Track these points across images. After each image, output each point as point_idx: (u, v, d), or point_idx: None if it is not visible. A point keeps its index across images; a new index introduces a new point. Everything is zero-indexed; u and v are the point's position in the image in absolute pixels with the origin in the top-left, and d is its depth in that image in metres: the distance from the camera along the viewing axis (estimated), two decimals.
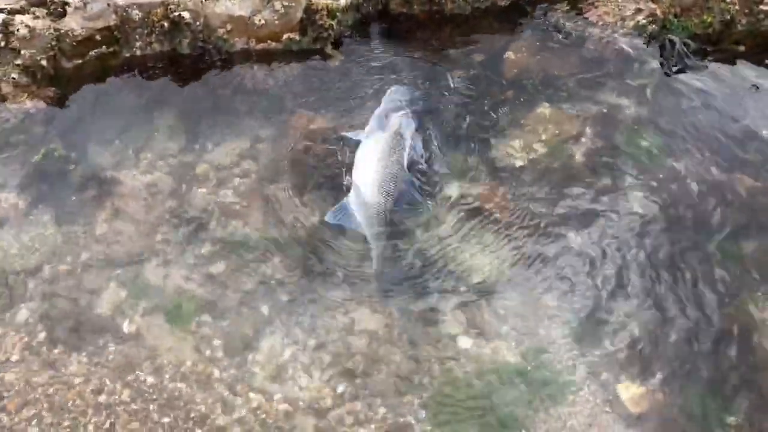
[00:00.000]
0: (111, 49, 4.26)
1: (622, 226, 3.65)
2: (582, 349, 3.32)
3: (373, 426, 3.14)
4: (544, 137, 3.98)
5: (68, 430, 3.09)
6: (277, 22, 4.26)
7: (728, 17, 4.37)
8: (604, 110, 4.10)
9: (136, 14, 4.15)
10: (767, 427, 3.13)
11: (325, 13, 4.28)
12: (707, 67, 4.28)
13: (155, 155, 3.95)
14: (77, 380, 3.23)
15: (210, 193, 3.82)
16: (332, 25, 4.30)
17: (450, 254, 3.58)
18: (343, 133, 3.89)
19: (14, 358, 3.28)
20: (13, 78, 4.06)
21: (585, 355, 3.30)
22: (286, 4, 4.22)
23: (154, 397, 3.19)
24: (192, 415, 3.14)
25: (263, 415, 3.15)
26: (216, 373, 3.27)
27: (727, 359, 3.28)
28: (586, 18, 4.44)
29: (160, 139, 4.01)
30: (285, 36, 4.29)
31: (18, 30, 4.02)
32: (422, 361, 3.30)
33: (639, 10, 4.36)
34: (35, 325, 3.38)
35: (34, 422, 3.10)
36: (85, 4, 4.19)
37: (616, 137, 4.00)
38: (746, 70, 4.28)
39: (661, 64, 4.28)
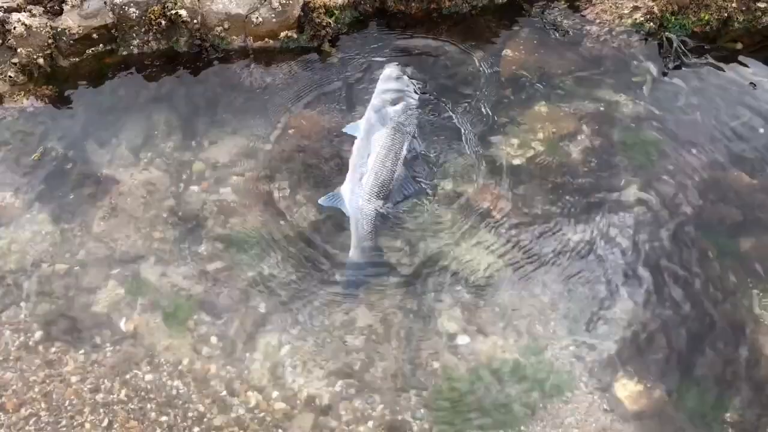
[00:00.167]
0: (108, 47, 4.26)
1: (620, 224, 3.65)
2: (579, 346, 3.32)
3: (371, 423, 3.14)
4: (541, 135, 3.98)
5: (65, 429, 3.08)
6: (274, 20, 4.25)
7: (725, 15, 4.36)
8: (602, 108, 4.10)
9: (133, 12, 4.14)
10: (764, 423, 3.13)
11: (322, 10, 4.27)
12: (705, 64, 4.28)
13: (153, 153, 3.95)
14: (74, 379, 3.23)
15: (207, 191, 3.81)
16: (330, 22, 4.30)
17: (447, 252, 3.58)
18: (344, 130, 3.89)
19: (11, 356, 3.27)
20: (10, 76, 4.06)
21: (582, 353, 3.31)
22: (283, 1, 4.21)
23: (152, 395, 3.19)
24: (190, 413, 3.14)
25: (261, 414, 3.15)
26: (214, 371, 3.26)
27: (724, 356, 3.29)
28: (584, 16, 4.43)
29: (157, 137, 4.01)
30: (282, 34, 4.28)
31: (15, 28, 4.02)
32: (420, 359, 3.30)
33: (636, 8, 4.36)
34: (32, 323, 3.38)
35: (31, 421, 3.10)
36: (82, 2, 4.18)
37: (614, 135, 3.99)
38: (743, 68, 4.28)
39: (659, 61, 4.28)
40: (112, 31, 4.20)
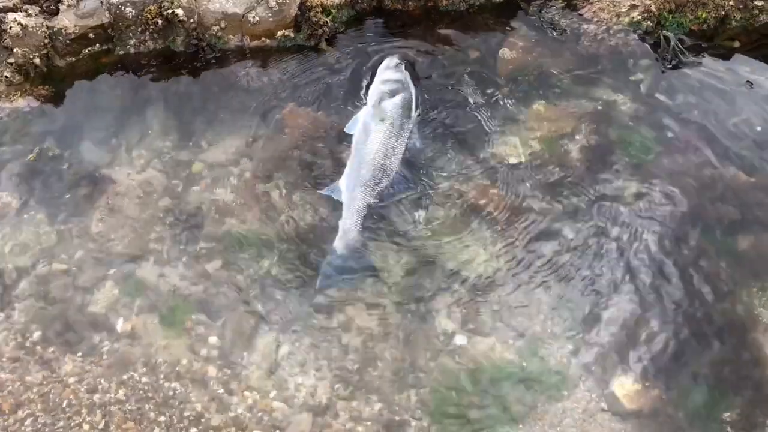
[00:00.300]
0: (104, 47, 4.25)
1: (617, 223, 3.65)
2: (577, 345, 3.32)
3: (369, 423, 3.14)
4: (539, 134, 3.97)
5: (62, 430, 3.08)
6: (271, 19, 4.24)
7: (723, 13, 4.36)
8: (599, 107, 4.09)
9: (129, 12, 4.13)
10: (762, 422, 3.13)
11: (319, 9, 4.26)
12: (702, 63, 4.27)
13: (149, 153, 3.94)
14: (72, 379, 3.22)
15: (205, 191, 3.81)
16: (327, 21, 4.29)
17: (445, 251, 3.57)
18: (346, 129, 3.89)
19: (8, 357, 3.26)
20: (6, 76, 4.04)
21: (580, 352, 3.31)
22: (280, 0, 4.20)
23: (150, 396, 3.19)
24: (187, 414, 3.14)
25: (259, 414, 3.15)
26: (211, 371, 3.26)
27: (722, 355, 3.29)
28: (581, 14, 4.43)
29: (154, 137, 4.00)
30: (279, 33, 4.27)
31: (10, 28, 4.00)
32: (418, 359, 3.29)
33: (634, 7, 4.35)
34: (29, 324, 3.37)
35: (28, 422, 3.09)
36: (78, 2, 4.18)
37: (611, 133, 3.99)
38: (741, 66, 4.28)
39: (656, 60, 4.27)
40: (109, 30, 4.19)
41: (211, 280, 3.50)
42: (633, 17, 4.34)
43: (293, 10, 4.24)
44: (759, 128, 4.01)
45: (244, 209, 3.73)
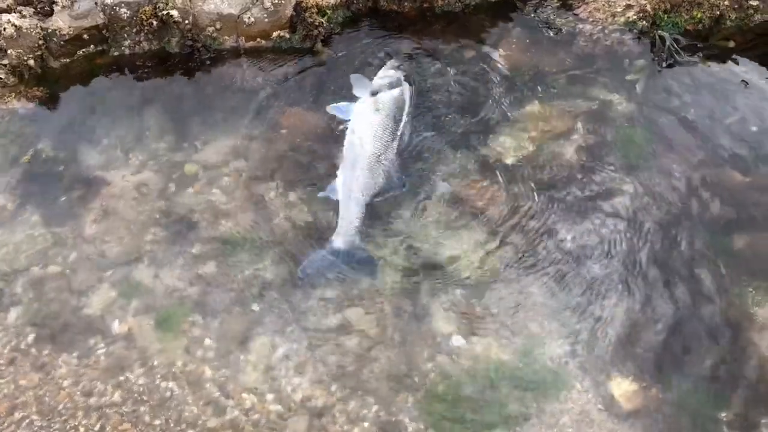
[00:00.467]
0: (99, 48, 4.24)
1: (613, 222, 3.65)
2: (574, 345, 3.32)
3: (366, 425, 3.13)
4: (534, 134, 3.97)
5: None
6: (266, 19, 4.23)
7: (718, 13, 4.37)
8: (595, 106, 4.10)
9: (124, 13, 4.12)
10: (759, 422, 3.13)
11: (315, 10, 4.26)
12: (697, 63, 4.28)
13: (144, 155, 3.93)
14: (67, 382, 3.20)
15: (200, 192, 3.80)
16: (322, 22, 4.28)
17: (441, 251, 3.57)
18: (328, 109, 3.92)
19: (3, 360, 3.25)
20: (0, 78, 4.02)
21: (577, 352, 3.30)
22: (275, 1, 4.20)
23: (145, 398, 3.17)
24: (184, 416, 3.13)
25: (255, 416, 3.14)
26: (207, 373, 3.25)
27: (719, 354, 3.29)
28: (577, 14, 4.43)
29: (149, 138, 3.99)
30: (275, 34, 4.27)
31: (5, 29, 3.99)
32: (415, 360, 3.29)
33: (629, 6, 4.36)
34: (24, 326, 3.36)
35: (23, 425, 3.07)
36: (72, 3, 4.16)
37: (607, 133, 3.99)
38: (736, 66, 4.29)
39: (652, 60, 4.28)
40: (103, 31, 4.18)
41: (207, 282, 3.49)
42: (628, 17, 4.35)
43: (288, 11, 4.24)
44: (754, 128, 4.02)
45: (239, 210, 3.72)
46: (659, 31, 4.33)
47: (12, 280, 3.49)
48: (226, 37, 4.26)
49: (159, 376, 3.23)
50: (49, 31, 4.09)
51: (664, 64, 4.26)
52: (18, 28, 4.00)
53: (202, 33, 4.22)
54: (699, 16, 4.37)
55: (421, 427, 3.13)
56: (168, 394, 3.18)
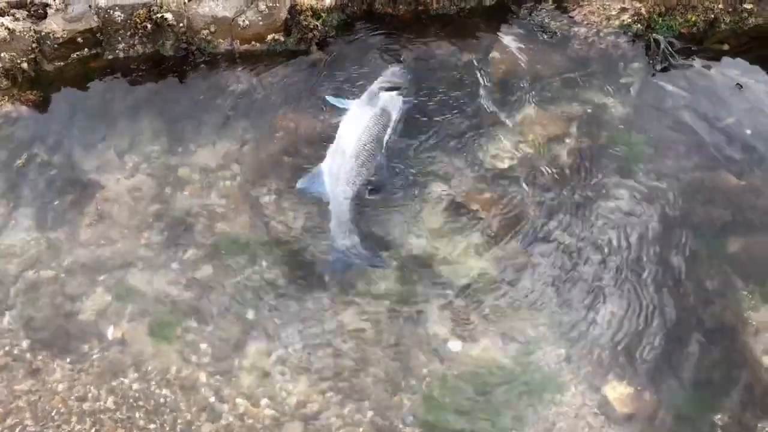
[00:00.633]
0: (93, 52, 4.22)
1: (608, 226, 3.66)
2: (569, 349, 3.32)
3: (361, 429, 3.13)
4: (530, 137, 3.97)
5: None
6: (261, 22, 4.23)
7: (712, 16, 4.38)
8: (590, 110, 4.10)
9: (118, 16, 4.11)
10: (753, 425, 3.14)
11: (309, 13, 4.25)
12: (692, 66, 4.29)
13: (139, 158, 3.92)
14: (61, 387, 3.19)
15: (195, 196, 3.79)
16: (317, 25, 4.28)
17: (437, 255, 3.57)
18: (327, 98, 3.95)
19: None
20: None
21: (572, 356, 3.30)
22: (270, 4, 4.19)
23: (140, 403, 3.16)
24: (178, 421, 3.12)
25: (250, 421, 3.13)
26: (202, 378, 3.24)
27: (713, 358, 3.29)
28: (572, 17, 4.43)
29: (143, 142, 3.97)
30: (269, 37, 4.26)
31: None
32: (410, 364, 3.28)
33: (624, 10, 4.36)
34: (18, 331, 3.34)
35: (17, 431, 3.06)
36: (66, 6, 4.15)
37: (602, 137, 4.00)
38: (730, 69, 4.30)
39: (646, 63, 4.28)
40: (97, 35, 4.17)
41: (202, 286, 3.48)
42: (623, 20, 4.35)
43: (283, 14, 4.23)
44: (749, 131, 4.03)
45: (234, 214, 3.71)
46: (654, 35, 4.33)
47: (6, 284, 3.47)
48: (221, 40, 4.26)
49: (153, 381, 3.22)
50: (43, 34, 4.07)
51: (658, 67, 4.27)
52: (11, 32, 3.99)
53: (196, 36, 4.21)
54: (693, 19, 4.37)
55: (417, 431, 3.12)
56: (162, 399, 3.17)
